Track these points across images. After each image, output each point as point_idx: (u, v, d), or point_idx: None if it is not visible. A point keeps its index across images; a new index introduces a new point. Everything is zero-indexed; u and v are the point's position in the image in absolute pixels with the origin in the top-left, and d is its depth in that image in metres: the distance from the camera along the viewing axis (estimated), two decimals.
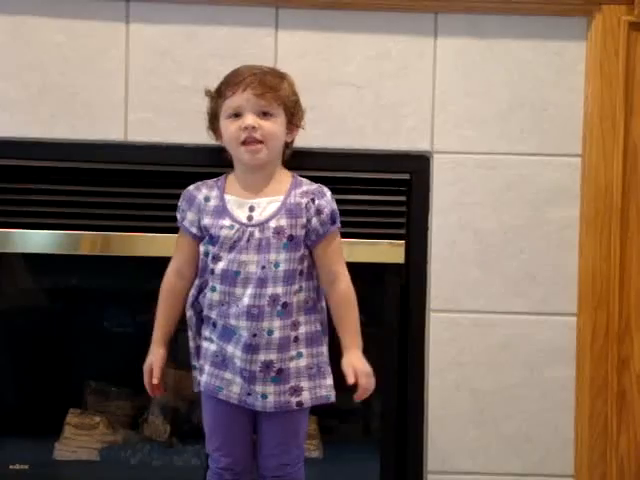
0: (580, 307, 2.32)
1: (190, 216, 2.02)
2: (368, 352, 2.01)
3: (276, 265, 1.94)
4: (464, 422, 2.33)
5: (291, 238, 1.96)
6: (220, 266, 1.96)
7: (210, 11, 2.27)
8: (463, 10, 2.27)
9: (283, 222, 1.96)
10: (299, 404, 1.98)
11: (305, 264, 1.99)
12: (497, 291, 2.32)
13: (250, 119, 1.96)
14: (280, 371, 1.96)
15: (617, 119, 2.27)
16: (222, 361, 1.99)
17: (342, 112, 2.29)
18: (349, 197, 2.25)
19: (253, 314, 1.94)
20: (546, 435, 2.34)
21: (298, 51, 2.27)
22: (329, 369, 2.01)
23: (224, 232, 1.96)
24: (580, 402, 2.32)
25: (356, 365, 1.96)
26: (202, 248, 2.01)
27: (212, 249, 1.98)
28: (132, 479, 2.45)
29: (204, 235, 2.00)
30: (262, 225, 1.96)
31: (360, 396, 1.98)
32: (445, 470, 2.34)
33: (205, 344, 2.02)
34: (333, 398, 2.01)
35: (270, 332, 1.94)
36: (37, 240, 2.30)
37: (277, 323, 1.94)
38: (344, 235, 2.07)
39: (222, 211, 1.99)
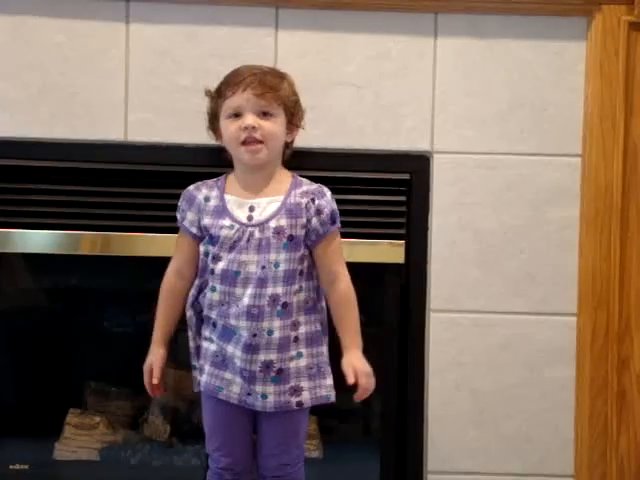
0: (580, 307, 2.32)
1: (190, 216, 2.02)
2: (368, 352, 2.01)
3: (276, 265, 1.94)
4: (464, 422, 2.33)
5: (291, 238, 1.96)
6: (220, 266, 1.96)
7: (210, 11, 2.27)
8: (463, 10, 2.27)
9: (283, 222, 1.96)
10: (299, 404, 1.98)
11: (305, 264, 1.99)
12: (497, 291, 2.32)
13: (250, 119, 1.96)
14: (280, 371, 1.96)
15: (617, 119, 2.27)
16: (222, 361, 1.99)
17: (342, 112, 2.29)
18: (349, 197, 2.25)
19: (253, 314, 1.94)
20: (546, 435, 2.34)
21: (298, 51, 2.27)
22: (329, 369, 2.01)
23: (224, 232, 1.96)
24: (580, 402, 2.32)
25: (356, 365, 1.96)
26: (202, 248, 2.01)
27: (212, 249, 1.98)
28: (132, 479, 2.45)
29: (204, 235, 2.00)
30: (262, 225, 1.96)
31: (360, 396, 1.98)
32: (445, 470, 2.34)
33: (205, 344, 2.02)
34: (333, 398, 2.01)
35: (270, 332, 1.94)
36: (37, 240, 2.30)
37: (277, 323, 1.94)
38: (344, 235, 2.07)
39: (222, 211, 1.99)
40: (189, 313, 2.04)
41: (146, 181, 2.30)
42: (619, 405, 2.31)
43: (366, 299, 2.05)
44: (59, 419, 2.50)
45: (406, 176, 2.32)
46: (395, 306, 2.34)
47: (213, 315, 1.99)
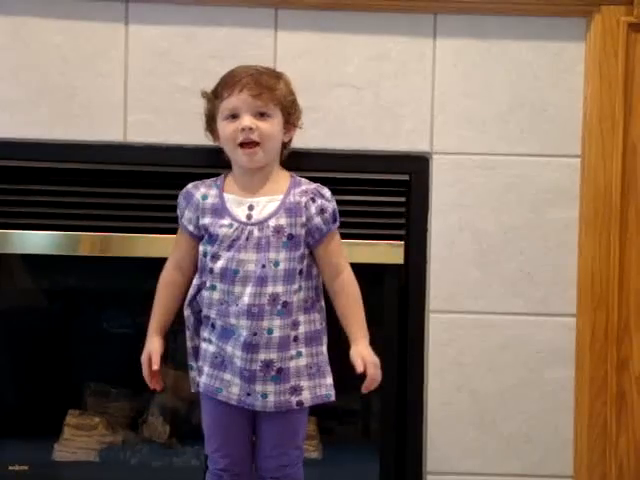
0: (579, 308, 2.32)
1: (188, 214, 2.03)
2: None
3: (276, 264, 1.95)
4: (463, 423, 2.34)
5: (291, 237, 1.96)
6: (219, 265, 1.96)
7: (209, 12, 2.27)
8: (462, 11, 2.27)
9: (282, 221, 1.96)
10: (299, 403, 1.98)
11: (305, 263, 1.99)
12: (496, 292, 2.32)
13: (247, 120, 1.96)
14: (280, 370, 1.96)
15: (616, 120, 2.27)
16: (221, 362, 1.99)
17: (342, 113, 2.29)
18: (349, 198, 2.25)
19: (253, 313, 1.94)
20: (546, 436, 2.34)
21: (297, 52, 2.27)
22: (329, 368, 2.01)
23: (223, 230, 1.96)
24: (579, 403, 2.32)
25: (365, 355, 1.96)
26: (201, 248, 2.01)
27: (211, 248, 1.98)
28: None
29: (201, 234, 2.01)
30: (261, 224, 1.96)
31: (368, 387, 1.97)
32: (444, 471, 2.34)
33: (204, 345, 2.02)
34: (333, 397, 2.01)
35: (270, 331, 1.94)
36: (36, 241, 2.30)
37: (277, 322, 1.94)
38: (343, 236, 2.07)
39: (221, 210, 1.99)
40: (187, 312, 2.04)
41: (145, 182, 2.31)
42: (618, 406, 2.32)
43: (365, 300, 2.05)
44: (58, 420, 2.50)
45: (405, 177, 2.32)
46: (394, 307, 2.35)
47: (212, 314, 1.99)
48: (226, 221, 1.97)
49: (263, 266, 1.94)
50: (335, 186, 2.09)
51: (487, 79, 2.30)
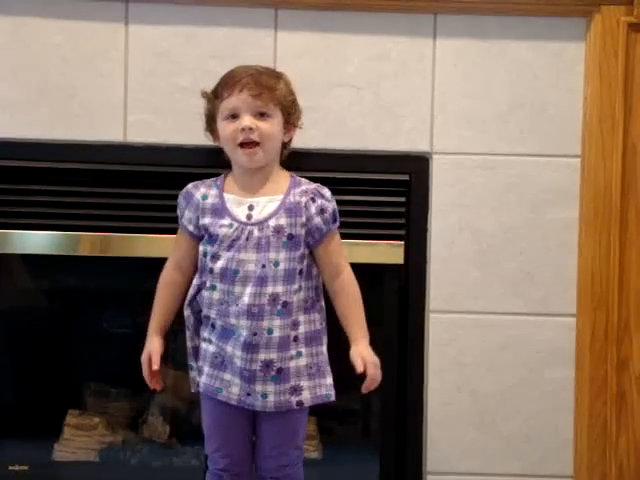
0: (579, 308, 2.32)
1: (188, 214, 2.03)
2: None
3: (276, 264, 1.95)
4: (463, 423, 2.34)
5: (291, 237, 1.96)
6: (219, 265, 1.96)
7: (209, 12, 2.27)
8: (462, 11, 2.27)
9: (282, 221, 1.96)
10: (299, 403, 1.98)
11: (305, 263, 1.99)
12: (496, 292, 2.32)
13: (247, 120, 1.96)
14: (280, 370, 1.96)
15: (616, 120, 2.27)
16: (221, 362, 1.99)
17: (342, 113, 2.29)
18: (348, 198, 2.25)
19: (253, 313, 1.94)
20: (545, 436, 2.34)
21: (297, 52, 2.27)
22: (329, 368, 2.02)
23: (223, 230, 1.97)
24: (579, 403, 2.32)
25: (365, 355, 1.96)
26: (201, 248, 2.01)
27: (211, 248, 1.98)
28: None
29: (201, 234, 2.01)
30: (261, 224, 1.96)
31: (368, 386, 1.97)
32: (444, 471, 2.34)
33: (204, 345, 2.02)
34: (333, 397, 2.01)
35: (270, 331, 1.94)
36: (36, 241, 2.30)
37: (277, 322, 1.94)
38: (343, 236, 2.07)
39: (221, 210, 1.99)
40: (187, 312, 2.05)
41: (145, 182, 2.31)
42: (618, 406, 2.32)
43: (365, 300, 2.05)
44: (58, 420, 2.50)
45: (405, 177, 2.33)
46: (394, 307, 2.35)
47: (212, 314, 1.99)
48: (226, 221, 1.97)
49: (263, 266, 1.94)
50: (335, 186, 2.09)
51: (487, 79, 2.30)
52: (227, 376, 1.99)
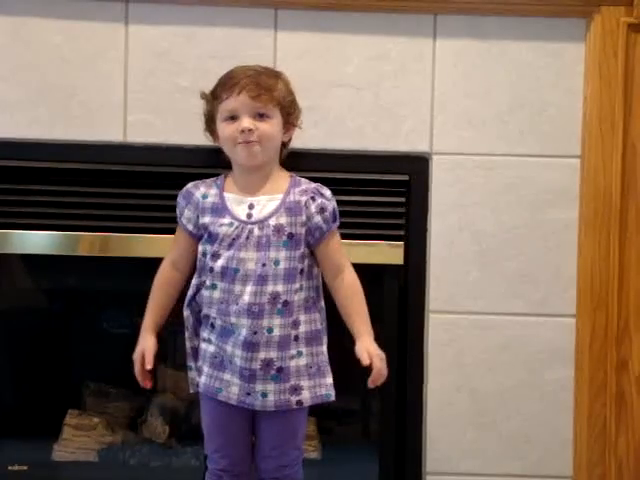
0: (579, 308, 2.32)
1: (187, 213, 2.03)
2: None
3: (276, 263, 1.95)
4: (463, 423, 2.33)
5: (291, 236, 1.96)
6: (219, 263, 1.96)
7: (209, 12, 2.27)
8: (462, 11, 2.27)
9: (283, 220, 1.96)
10: (299, 403, 1.98)
11: (305, 263, 1.99)
12: (496, 292, 2.32)
13: (246, 122, 1.96)
14: (280, 369, 1.96)
15: (616, 120, 2.27)
16: (221, 362, 1.99)
17: (341, 113, 2.29)
18: (348, 198, 2.25)
19: (253, 312, 1.94)
20: (545, 436, 2.34)
21: (297, 52, 2.27)
22: (329, 368, 2.02)
23: (223, 229, 1.97)
24: (579, 403, 2.32)
25: (370, 349, 1.96)
26: (200, 247, 2.01)
27: (210, 248, 1.98)
28: None
29: (200, 233, 2.01)
30: (262, 223, 1.96)
31: (374, 380, 1.96)
32: (444, 471, 2.34)
33: (203, 345, 2.02)
34: (333, 397, 2.01)
35: (270, 330, 1.94)
36: (36, 241, 2.30)
37: (277, 321, 1.94)
38: (343, 236, 2.07)
39: (221, 209, 1.99)
40: (186, 313, 2.05)
41: (145, 182, 2.30)
42: (618, 406, 2.32)
43: (365, 300, 2.04)
44: (58, 420, 2.50)
45: (405, 177, 2.32)
46: (394, 307, 2.35)
47: (212, 313, 1.99)
48: (226, 220, 1.97)
49: (263, 265, 1.94)
50: (335, 186, 2.09)
51: (487, 79, 2.30)
52: (227, 376, 1.99)
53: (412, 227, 2.33)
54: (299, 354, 1.98)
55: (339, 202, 2.05)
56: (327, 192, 2.02)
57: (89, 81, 2.27)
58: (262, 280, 1.94)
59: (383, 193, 2.32)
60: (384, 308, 2.33)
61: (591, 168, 2.29)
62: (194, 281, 2.03)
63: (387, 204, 2.32)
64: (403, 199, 2.33)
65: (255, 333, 1.94)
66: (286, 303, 1.95)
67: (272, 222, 1.96)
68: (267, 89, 1.97)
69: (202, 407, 2.06)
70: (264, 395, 1.96)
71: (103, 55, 2.27)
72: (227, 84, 1.98)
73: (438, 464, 2.34)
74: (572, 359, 2.33)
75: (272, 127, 1.98)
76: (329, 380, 2.01)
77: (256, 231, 1.95)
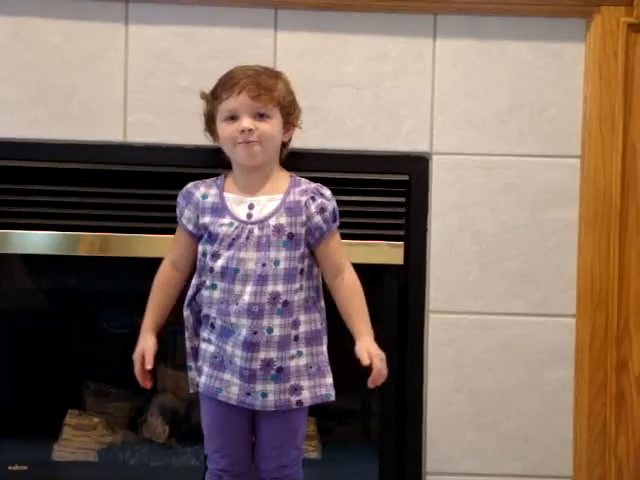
0: (579, 308, 2.32)
1: (187, 213, 2.03)
2: None
3: (276, 263, 1.95)
4: (463, 423, 2.33)
5: (291, 236, 1.96)
6: (219, 263, 1.96)
7: (209, 12, 2.27)
8: (462, 11, 2.27)
9: (283, 220, 1.96)
10: (299, 403, 1.98)
11: (305, 263, 1.99)
12: (496, 292, 2.32)
13: (246, 122, 1.96)
14: (280, 369, 1.96)
15: (616, 120, 2.27)
16: (221, 362, 1.99)
17: (341, 113, 2.29)
18: (348, 198, 2.25)
19: (253, 312, 1.94)
20: (545, 436, 2.34)
21: (297, 52, 2.27)
22: (329, 368, 2.02)
23: (223, 229, 1.97)
24: (579, 403, 2.32)
25: (370, 349, 1.96)
26: (200, 247, 2.01)
27: (210, 247, 1.98)
28: None
29: (200, 233, 2.01)
30: (262, 223, 1.96)
31: (375, 380, 1.96)
32: (444, 471, 2.34)
33: (203, 345, 2.02)
34: (333, 397, 2.01)
35: (270, 330, 1.94)
36: (36, 241, 2.30)
37: (277, 321, 1.94)
38: (343, 236, 2.07)
39: (221, 209, 1.99)
40: (186, 313, 2.05)
41: (145, 182, 2.30)
42: (618, 406, 2.32)
43: (365, 300, 2.05)
44: (58, 420, 2.50)
45: (405, 177, 2.32)
46: (394, 307, 2.35)
47: (213, 313, 1.99)
48: (226, 220, 1.97)
49: (263, 265, 1.94)
50: (335, 186, 2.09)
51: (487, 79, 2.30)
52: (226, 376, 1.99)
53: (412, 227, 2.33)
54: (299, 354, 1.97)
55: (339, 202, 2.05)
56: (327, 192, 2.02)
57: (89, 81, 2.27)
58: (262, 280, 1.94)
59: (383, 193, 2.32)
60: (384, 308, 2.33)
61: (591, 168, 2.29)
62: (194, 281, 2.03)
63: (387, 204, 2.32)
64: (403, 199, 2.33)
65: (255, 333, 1.94)
66: (286, 303, 1.95)
67: (272, 222, 1.96)
68: (267, 89, 1.97)
69: (202, 407, 2.06)
70: (264, 395, 1.96)
71: (103, 55, 2.27)
72: (227, 84, 1.98)
73: (438, 464, 2.34)
74: (572, 359, 2.33)
75: (272, 127, 1.98)
76: (329, 380, 2.01)
77: (256, 231, 1.95)
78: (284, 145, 2.06)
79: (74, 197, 2.30)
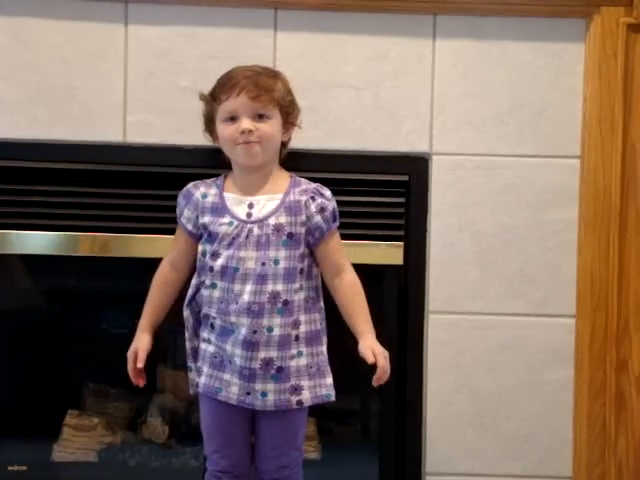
0: (579, 309, 2.32)
1: (187, 213, 2.03)
2: None
3: (276, 262, 1.95)
4: (463, 423, 2.33)
5: (291, 236, 1.96)
6: (219, 262, 1.97)
7: (209, 12, 2.27)
8: (462, 12, 2.27)
9: (282, 219, 1.96)
10: (299, 403, 1.97)
11: (305, 263, 1.99)
12: (496, 293, 2.32)
13: (246, 123, 1.96)
14: (280, 369, 1.96)
15: (616, 121, 2.27)
16: (220, 362, 1.99)
17: (341, 113, 2.29)
18: (348, 199, 2.25)
19: (253, 311, 1.94)
20: (545, 436, 2.34)
21: (297, 52, 2.27)
22: (329, 368, 2.02)
23: (223, 229, 1.97)
24: (579, 403, 2.32)
25: (374, 347, 1.96)
26: (200, 247, 2.01)
27: (210, 247, 1.98)
28: None
29: (200, 233, 2.01)
30: (261, 222, 1.96)
31: (379, 378, 1.96)
32: (444, 471, 2.34)
33: (203, 345, 2.02)
34: (333, 397, 2.01)
35: (270, 329, 1.94)
36: (35, 241, 2.30)
37: (277, 321, 1.94)
38: (343, 236, 2.07)
39: (221, 208, 1.99)
40: (186, 313, 2.05)
41: (145, 182, 2.30)
42: (617, 406, 2.32)
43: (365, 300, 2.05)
44: (58, 420, 2.50)
45: (405, 178, 2.33)
46: (394, 308, 2.35)
47: (212, 313, 1.99)
48: (226, 219, 1.97)
49: (263, 264, 1.94)
50: (335, 186, 2.09)
51: (487, 80, 2.30)
52: (226, 376, 1.99)
53: (412, 227, 2.33)
54: (299, 354, 1.97)
55: (339, 202, 2.05)
56: (327, 192, 2.02)
57: (89, 81, 2.27)
58: (262, 279, 1.94)
59: (383, 193, 2.32)
60: (384, 308, 2.33)
61: (591, 168, 2.29)
62: (194, 281, 2.03)
63: (387, 204, 2.32)
64: (403, 199, 2.33)
65: (255, 332, 1.94)
66: (286, 302, 1.95)
67: (272, 221, 1.96)
68: (266, 89, 1.97)
69: (202, 407, 2.06)
70: (264, 395, 1.96)
71: (103, 55, 2.27)
72: (226, 85, 1.98)
73: (438, 464, 2.34)
74: (572, 359, 2.33)
75: (272, 127, 1.98)
76: (329, 380, 2.01)
77: (256, 230, 1.95)
78: (284, 145, 2.06)
79: (74, 197, 2.30)
